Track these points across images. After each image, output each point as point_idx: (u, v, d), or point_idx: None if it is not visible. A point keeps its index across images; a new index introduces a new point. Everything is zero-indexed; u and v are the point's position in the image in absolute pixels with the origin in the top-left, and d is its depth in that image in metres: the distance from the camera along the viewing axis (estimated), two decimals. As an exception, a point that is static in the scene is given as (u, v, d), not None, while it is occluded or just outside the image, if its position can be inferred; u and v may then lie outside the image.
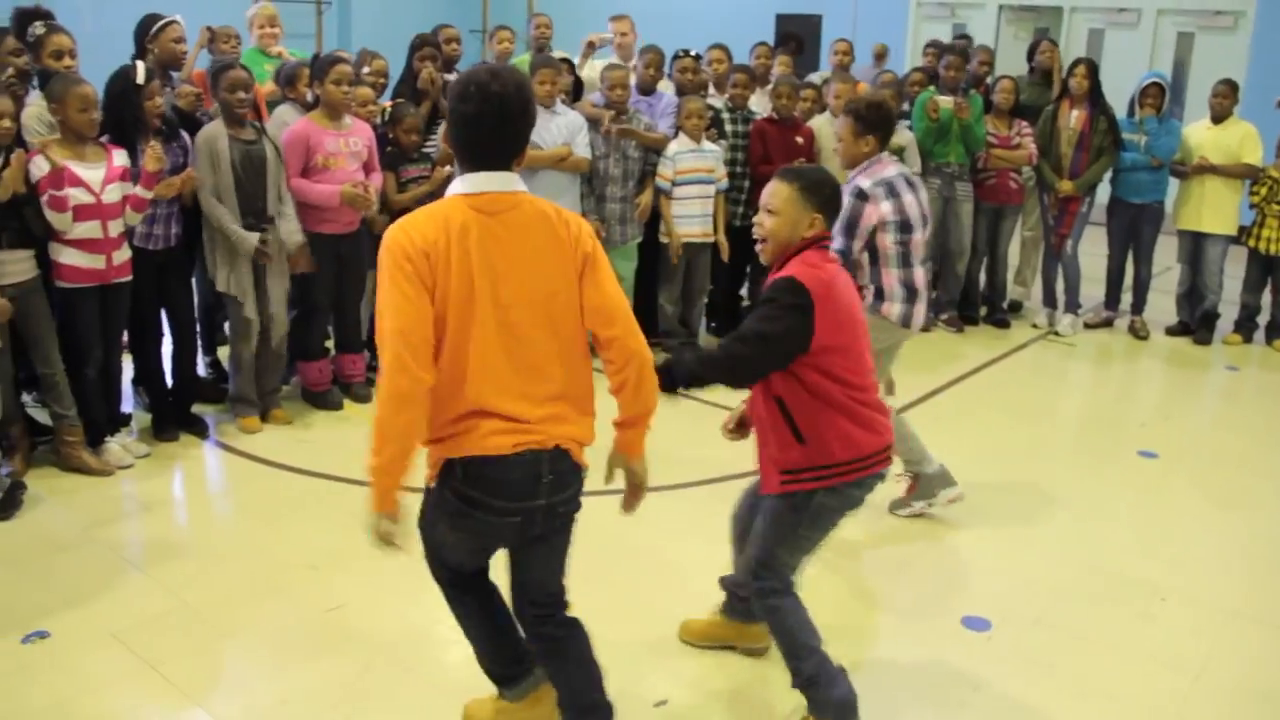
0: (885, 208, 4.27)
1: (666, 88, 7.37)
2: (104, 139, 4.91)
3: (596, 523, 4.57)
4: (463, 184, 2.67)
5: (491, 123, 2.60)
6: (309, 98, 5.86)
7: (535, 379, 2.70)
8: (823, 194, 3.20)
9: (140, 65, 5.03)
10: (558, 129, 6.35)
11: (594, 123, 6.56)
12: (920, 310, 4.47)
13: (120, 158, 4.89)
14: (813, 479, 3.18)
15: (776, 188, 3.23)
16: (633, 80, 6.99)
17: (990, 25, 12.59)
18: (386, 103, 6.37)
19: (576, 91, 6.92)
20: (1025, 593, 4.23)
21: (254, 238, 5.28)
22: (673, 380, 3.16)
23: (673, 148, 6.73)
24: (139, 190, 4.87)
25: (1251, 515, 5.07)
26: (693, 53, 7.48)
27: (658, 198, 6.79)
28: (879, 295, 4.41)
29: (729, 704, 3.50)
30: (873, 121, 4.28)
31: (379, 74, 6.56)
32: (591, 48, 7.90)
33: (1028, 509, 5.00)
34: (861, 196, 4.26)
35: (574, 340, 2.76)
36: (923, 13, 13.00)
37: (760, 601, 3.32)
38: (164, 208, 5.15)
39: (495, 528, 2.78)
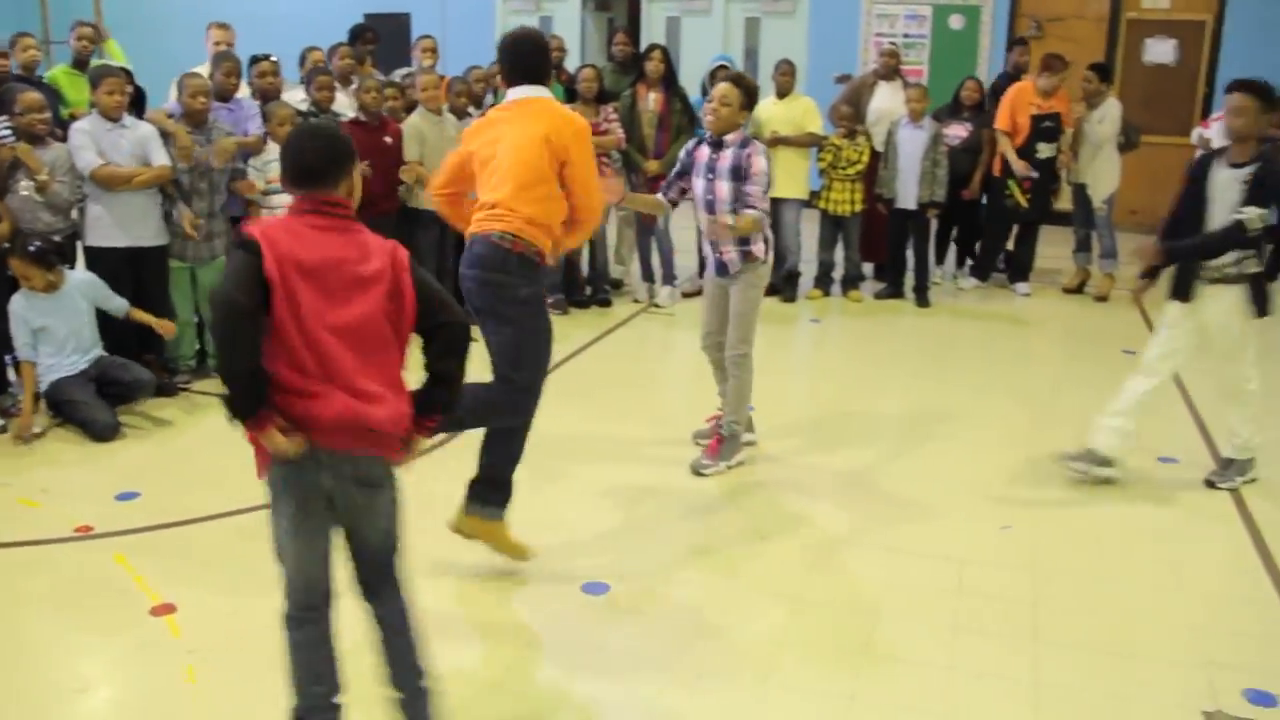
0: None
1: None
2: None
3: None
4: None
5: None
6: None
7: None
8: None
9: None
10: (130, 144, 5.99)
11: (168, 136, 6.22)
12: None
13: None
14: None
15: None
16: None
17: (575, 16, 13.01)
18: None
19: (139, 100, 6.55)
20: (641, 555, 4.44)
21: None
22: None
23: (261, 157, 6.51)
24: None
25: (852, 454, 5.53)
26: (272, 56, 7.26)
27: (249, 208, 6.52)
28: None
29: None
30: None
31: None
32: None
33: (623, 475, 5.19)
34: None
35: None
36: (509, 7, 13.23)
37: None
38: None
39: None
